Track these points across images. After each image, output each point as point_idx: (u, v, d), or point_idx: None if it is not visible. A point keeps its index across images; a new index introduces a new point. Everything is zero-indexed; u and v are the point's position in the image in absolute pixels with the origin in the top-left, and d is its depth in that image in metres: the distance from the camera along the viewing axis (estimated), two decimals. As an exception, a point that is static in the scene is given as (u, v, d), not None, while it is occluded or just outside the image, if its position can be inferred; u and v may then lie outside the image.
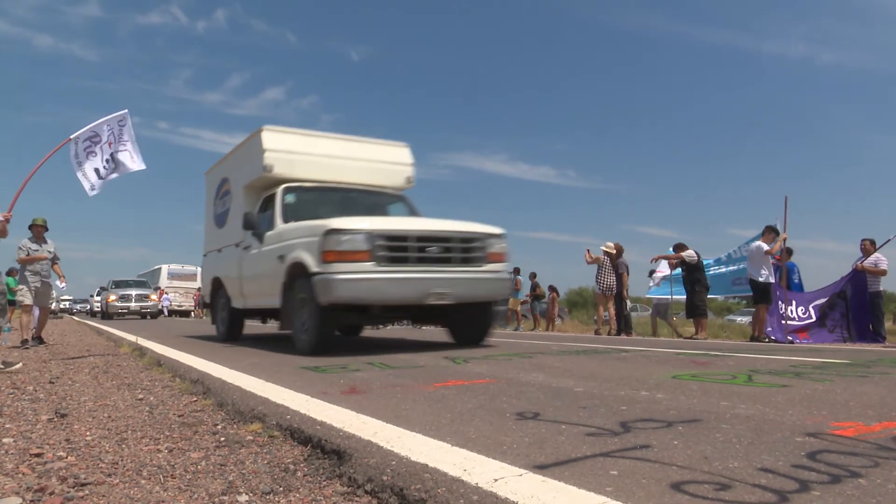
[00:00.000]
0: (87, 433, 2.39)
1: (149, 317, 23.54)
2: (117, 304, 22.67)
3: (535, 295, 15.88)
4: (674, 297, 11.67)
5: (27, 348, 7.04)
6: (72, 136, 5.94)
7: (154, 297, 24.56)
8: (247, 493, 1.63)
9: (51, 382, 3.97)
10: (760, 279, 8.78)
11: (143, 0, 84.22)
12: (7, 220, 5.09)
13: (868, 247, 8.74)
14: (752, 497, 1.40)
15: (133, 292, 23.51)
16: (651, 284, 12.75)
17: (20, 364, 4.95)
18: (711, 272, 11.30)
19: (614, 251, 11.09)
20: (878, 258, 8.62)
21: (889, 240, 8.81)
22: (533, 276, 15.81)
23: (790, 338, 8.54)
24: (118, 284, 24.72)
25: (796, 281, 9.87)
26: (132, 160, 6.28)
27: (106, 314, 23.14)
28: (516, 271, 14.97)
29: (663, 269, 11.95)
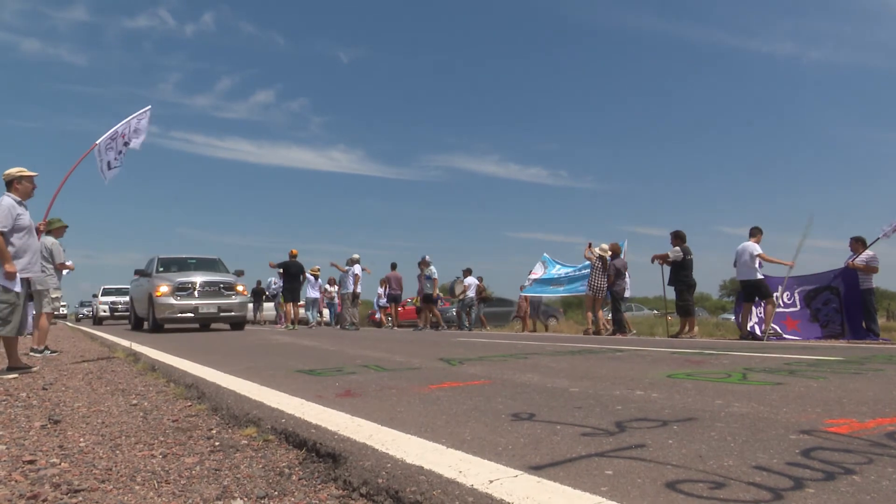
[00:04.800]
0: (81, 439, 2.38)
1: (231, 325, 13.33)
2: (174, 301, 11.94)
3: (483, 298, 15.86)
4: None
5: (38, 356, 6.50)
6: (98, 141, 6.62)
7: (241, 286, 13.18)
8: (242, 498, 1.62)
9: (44, 389, 3.94)
10: (755, 277, 8.85)
11: (129, 3, 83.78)
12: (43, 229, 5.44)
13: (856, 245, 8.83)
14: (747, 495, 1.40)
15: (198, 279, 12.43)
16: (525, 284, 13.97)
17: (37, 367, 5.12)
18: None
19: (609, 254, 11.10)
20: (870, 256, 8.69)
21: (879, 237, 8.89)
22: (480, 279, 15.75)
23: (777, 328, 8.60)
24: (168, 265, 13.46)
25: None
26: (136, 142, 6.92)
27: (154, 321, 12.18)
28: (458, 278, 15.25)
29: (536, 271, 13.66)
